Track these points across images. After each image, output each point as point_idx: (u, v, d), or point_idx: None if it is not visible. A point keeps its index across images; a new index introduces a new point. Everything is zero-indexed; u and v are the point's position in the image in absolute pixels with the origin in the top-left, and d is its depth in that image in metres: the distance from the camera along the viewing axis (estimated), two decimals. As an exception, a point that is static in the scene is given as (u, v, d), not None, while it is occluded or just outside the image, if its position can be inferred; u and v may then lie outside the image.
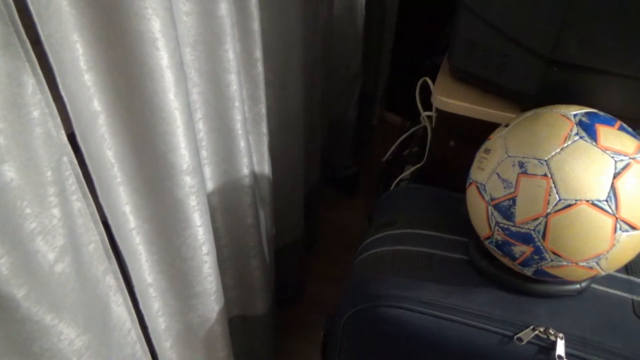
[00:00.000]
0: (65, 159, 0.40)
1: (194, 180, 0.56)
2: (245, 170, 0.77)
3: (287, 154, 0.97)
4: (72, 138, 0.42)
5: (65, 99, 0.40)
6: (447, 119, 0.67)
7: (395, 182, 0.81)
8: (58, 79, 0.39)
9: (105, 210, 0.48)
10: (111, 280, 0.48)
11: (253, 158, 0.83)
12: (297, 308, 1.26)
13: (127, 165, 0.52)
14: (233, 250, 0.85)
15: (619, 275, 0.59)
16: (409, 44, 1.56)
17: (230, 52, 0.65)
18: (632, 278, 0.59)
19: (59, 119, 0.39)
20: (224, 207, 0.79)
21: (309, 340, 1.18)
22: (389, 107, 1.75)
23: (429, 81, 0.70)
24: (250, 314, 0.95)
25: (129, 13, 0.43)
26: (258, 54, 0.74)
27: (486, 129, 0.62)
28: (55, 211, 0.39)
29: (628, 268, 0.60)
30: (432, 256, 0.61)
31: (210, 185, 0.75)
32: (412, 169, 0.79)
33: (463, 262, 0.60)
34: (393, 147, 0.95)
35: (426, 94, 0.73)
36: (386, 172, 1.06)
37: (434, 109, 0.69)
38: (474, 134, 0.65)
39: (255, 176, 0.85)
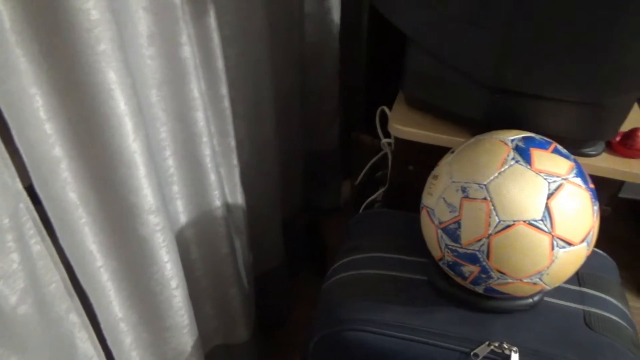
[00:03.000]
0: (21, 205, 0.42)
1: (157, 218, 0.58)
2: (218, 202, 0.79)
3: (262, 183, 1.00)
4: (29, 187, 0.45)
5: (22, 150, 0.43)
6: (404, 146, 0.71)
7: (364, 205, 0.84)
8: (14, 132, 0.41)
9: (67, 250, 0.50)
10: (75, 318, 0.50)
11: (225, 190, 0.86)
12: (283, 332, 1.27)
13: (91, 206, 0.55)
14: (211, 281, 0.87)
15: (572, 287, 0.62)
16: (380, 68, 1.60)
17: (195, 91, 0.68)
18: (584, 289, 0.62)
19: (13, 169, 0.41)
20: (199, 239, 0.81)
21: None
22: (365, 130, 1.78)
23: (387, 110, 0.74)
24: (232, 342, 0.96)
25: (84, 66, 0.46)
26: (224, 90, 0.77)
27: (441, 153, 0.65)
28: (14, 256, 0.41)
29: (580, 280, 0.63)
30: (396, 278, 0.63)
31: (183, 218, 0.77)
32: (378, 192, 0.82)
33: (424, 282, 0.62)
34: (364, 171, 0.98)
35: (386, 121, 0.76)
36: (360, 194, 1.09)
37: (392, 136, 0.73)
38: (430, 159, 0.68)
39: (228, 207, 0.88)
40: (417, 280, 0.63)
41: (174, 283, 0.64)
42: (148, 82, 0.64)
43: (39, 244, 0.44)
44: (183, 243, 0.78)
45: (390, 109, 0.74)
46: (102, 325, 0.56)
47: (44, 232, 0.45)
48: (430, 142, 0.68)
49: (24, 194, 0.43)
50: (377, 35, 1.54)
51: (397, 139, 0.71)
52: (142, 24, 0.60)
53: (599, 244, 0.65)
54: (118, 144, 0.51)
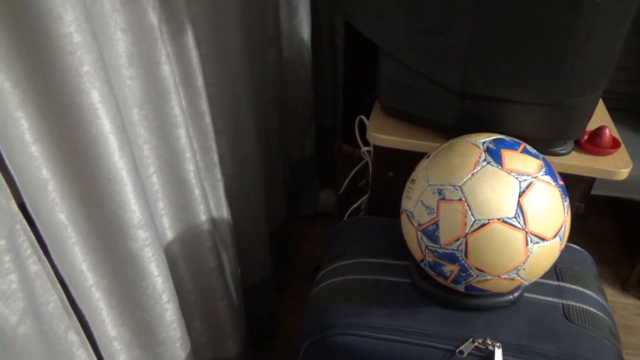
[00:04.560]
0: (18, 226, 0.43)
1: (146, 233, 0.60)
2: (203, 217, 0.80)
3: (246, 196, 1.01)
4: (22, 206, 0.46)
5: (12, 172, 0.44)
6: (383, 153, 0.73)
7: (347, 214, 0.86)
8: (4, 154, 0.42)
9: (61, 270, 0.51)
10: (73, 337, 0.51)
11: (210, 204, 0.87)
12: (272, 345, 1.27)
13: (80, 225, 0.56)
14: (199, 295, 0.88)
15: (550, 282, 0.64)
16: (358, 78, 1.64)
17: (177, 109, 0.69)
18: (562, 284, 0.64)
19: (8, 191, 0.42)
20: (186, 253, 0.82)
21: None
22: (345, 139, 1.81)
23: (365, 119, 0.76)
24: (222, 356, 0.97)
25: (69, 88, 0.48)
26: (204, 107, 0.79)
27: (419, 159, 0.67)
28: (13, 276, 0.42)
29: (558, 274, 0.66)
30: (379, 282, 0.65)
31: (169, 234, 0.78)
32: (361, 200, 0.84)
33: (407, 285, 0.64)
34: (347, 180, 1.00)
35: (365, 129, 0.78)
36: (343, 203, 1.11)
37: (371, 144, 0.75)
38: (408, 164, 0.71)
39: (213, 221, 0.89)
40: (399, 283, 0.65)
41: (165, 297, 0.65)
42: (129, 101, 0.65)
43: (35, 264, 0.45)
44: (171, 259, 0.79)
45: (368, 118, 0.77)
46: (98, 343, 0.57)
47: (40, 251, 0.46)
48: (407, 148, 0.70)
49: (20, 215, 0.43)
50: (353, 46, 1.57)
51: (375, 147, 0.73)
52: (120, 45, 0.61)
53: (579, 241, 0.68)
54: (105, 162, 0.52)
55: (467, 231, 0.51)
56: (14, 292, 0.43)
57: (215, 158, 0.84)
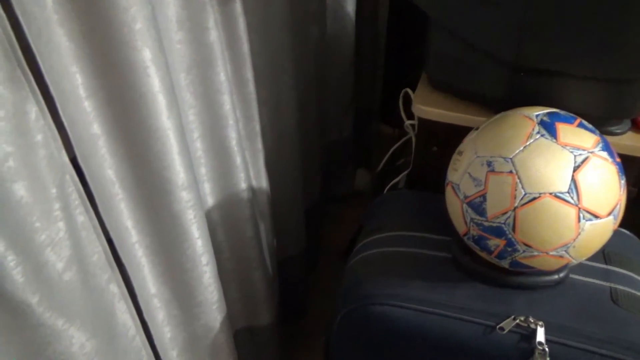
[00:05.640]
0: (67, 177, 0.45)
1: (189, 195, 0.60)
2: (243, 185, 0.81)
3: (284, 170, 1.02)
4: (74, 161, 0.47)
5: (66, 124, 0.45)
6: (428, 126, 0.71)
7: (387, 188, 0.85)
8: (59, 106, 0.43)
9: (108, 225, 0.52)
10: (115, 289, 0.53)
11: (250, 173, 0.87)
12: (302, 323, 1.28)
13: (127, 183, 0.57)
14: (235, 263, 0.89)
15: (598, 265, 0.62)
16: (399, 57, 1.61)
17: (222, 75, 0.70)
18: (611, 267, 0.62)
19: (60, 141, 0.43)
20: (225, 221, 0.83)
21: (313, 353, 1.20)
22: (384, 120, 1.79)
23: (410, 92, 0.75)
24: (255, 325, 0.98)
25: (121, 45, 0.48)
26: (249, 74, 0.79)
27: (464, 133, 0.66)
28: (61, 224, 0.44)
29: (606, 258, 0.63)
30: (417, 256, 0.65)
31: (210, 200, 0.79)
32: (401, 175, 0.83)
33: (446, 259, 0.63)
34: (385, 158, 0.99)
35: (410, 103, 0.77)
36: (379, 182, 1.10)
37: (415, 118, 0.73)
38: (453, 139, 0.69)
39: (253, 190, 0.89)
40: (439, 257, 0.64)
41: (204, 259, 0.66)
42: (177, 65, 0.66)
43: (82, 215, 0.47)
44: (210, 225, 0.80)
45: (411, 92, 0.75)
46: (139, 298, 0.59)
47: (88, 204, 0.47)
48: (454, 122, 0.68)
49: (70, 166, 0.45)
50: (396, 26, 1.55)
51: (420, 120, 0.72)
52: (170, 9, 0.62)
53: (628, 227, 0.65)
54: (153, 121, 0.53)
55: (516, 204, 0.50)
56: (62, 239, 0.44)
57: (257, 127, 0.84)
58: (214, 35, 0.66)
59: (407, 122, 0.75)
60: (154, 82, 0.52)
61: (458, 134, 0.68)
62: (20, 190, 0.41)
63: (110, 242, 0.53)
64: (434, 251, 0.65)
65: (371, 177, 1.63)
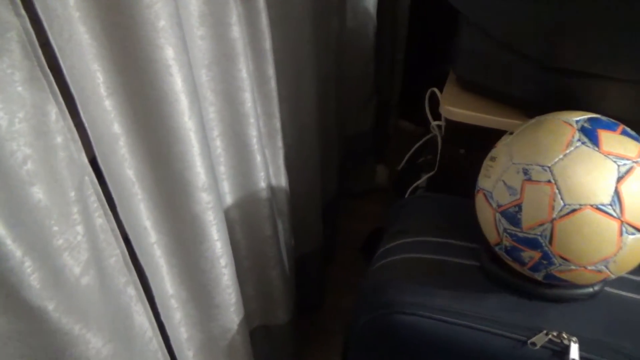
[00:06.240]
0: (86, 179, 0.43)
1: (210, 196, 0.59)
2: (263, 184, 0.79)
3: (304, 166, 1.00)
4: (93, 160, 0.45)
5: (87, 125, 0.43)
6: (456, 128, 0.69)
7: (410, 189, 0.82)
8: (79, 107, 0.42)
9: (126, 225, 0.51)
10: (132, 291, 0.51)
11: (270, 171, 0.86)
12: (318, 317, 1.27)
13: (147, 183, 0.55)
14: (253, 262, 0.87)
15: (635, 278, 0.59)
16: (420, 51, 1.57)
17: (244, 72, 0.68)
18: (647, 281, 0.59)
19: (79, 143, 0.42)
20: (243, 219, 0.82)
21: (329, 349, 1.19)
22: (402, 115, 1.76)
23: (437, 92, 0.72)
24: (272, 323, 0.97)
25: (144, 43, 0.46)
26: (270, 71, 0.77)
27: (495, 136, 0.63)
28: (79, 228, 0.42)
29: (643, 271, 0.60)
30: (444, 263, 0.62)
31: (228, 199, 0.77)
32: (425, 177, 0.80)
33: (474, 268, 0.61)
34: (407, 156, 0.97)
35: (436, 103, 0.74)
36: (400, 180, 1.07)
37: (442, 119, 0.71)
38: (483, 142, 0.66)
39: (272, 189, 0.88)
40: (465, 265, 0.62)
41: (223, 261, 0.65)
42: (198, 62, 0.64)
43: (101, 218, 0.45)
44: (228, 223, 0.78)
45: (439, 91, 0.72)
46: (156, 299, 0.57)
47: (106, 206, 0.46)
48: (484, 124, 0.66)
49: (89, 168, 0.43)
50: (418, 21, 1.51)
51: (448, 121, 0.69)
52: (193, 3, 0.60)
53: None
54: (174, 121, 0.51)
55: (554, 216, 0.47)
56: (79, 243, 0.43)
57: (278, 125, 0.82)
58: (237, 31, 0.64)
59: (434, 123, 0.73)
60: (177, 81, 0.50)
61: (488, 136, 0.66)
62: (38, 193, 0.39)
63: (127, 242, 0.52)
64: (460, 259, 0.62)
65: (389, 173, 1.61)
